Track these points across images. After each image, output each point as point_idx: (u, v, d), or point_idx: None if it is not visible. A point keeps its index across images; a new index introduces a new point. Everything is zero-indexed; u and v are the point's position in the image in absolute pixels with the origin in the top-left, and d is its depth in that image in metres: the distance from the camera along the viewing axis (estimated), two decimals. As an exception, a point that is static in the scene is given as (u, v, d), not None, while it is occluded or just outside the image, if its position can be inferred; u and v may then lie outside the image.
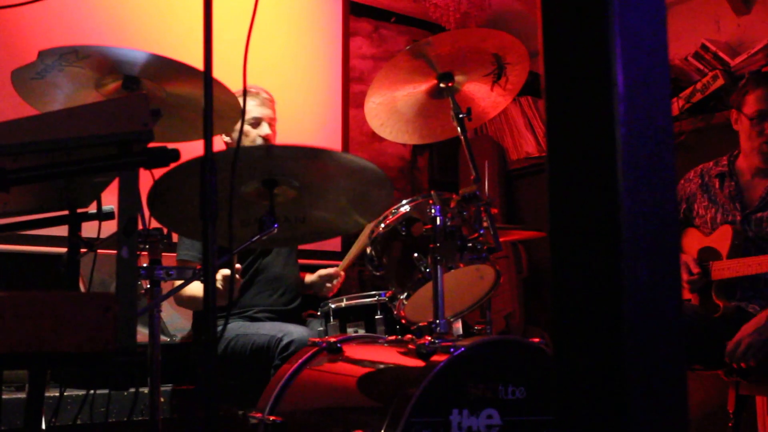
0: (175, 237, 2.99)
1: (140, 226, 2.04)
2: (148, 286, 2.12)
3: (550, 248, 0.89)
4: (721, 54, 3.96)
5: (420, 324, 2.30)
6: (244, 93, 1.54)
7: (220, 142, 3.14)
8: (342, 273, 3.23)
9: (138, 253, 1.71)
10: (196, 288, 2.77)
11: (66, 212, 1.72)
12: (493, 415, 1.83)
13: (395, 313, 2.29)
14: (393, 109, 2.47)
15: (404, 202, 2.21)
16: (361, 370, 2.12)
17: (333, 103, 4.57)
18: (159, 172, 1.79)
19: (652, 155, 0.85)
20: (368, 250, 2.31)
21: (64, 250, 1.75)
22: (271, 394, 2.12)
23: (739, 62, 3.88)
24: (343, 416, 2.00)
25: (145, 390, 2.40)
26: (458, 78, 2.38)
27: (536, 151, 4.75)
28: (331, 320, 2.71)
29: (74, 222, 1.72)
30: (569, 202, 0.88)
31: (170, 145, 1.35)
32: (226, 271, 2.69)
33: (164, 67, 2.19)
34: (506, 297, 4.66)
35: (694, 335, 2.75)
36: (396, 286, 2.27)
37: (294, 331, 2.76)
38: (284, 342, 2.69)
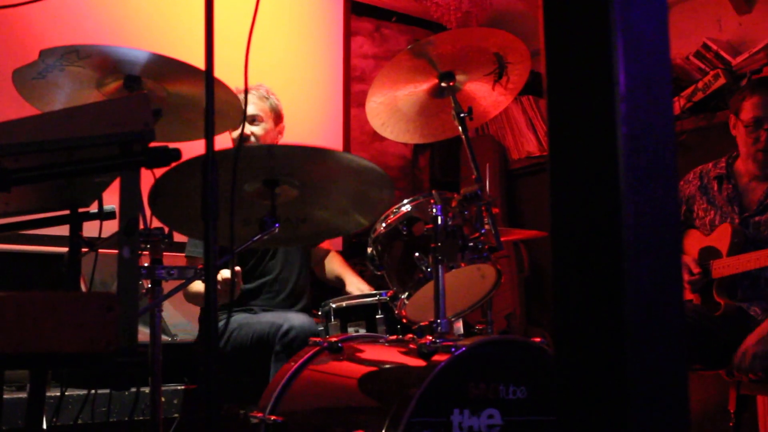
0: (176, 236, 3.00)
1: (141, 226, 2.04)
2: (150, 285, 2.12)
3: (552, 248, 0.89)
4: (722, 53, 3.95)
5: (421, 324, 2.29)
6: (246, 92, 1.54)
7: (222, 141, 3.14)
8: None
9: (139, 252, 1.70)
10: (203, 285, 2.78)
11: (67, 212, 1.72)
12: (494, 415, 1.83)
13: (396, 312, 2.29)
14: (394, 109, 2.47)
15: (405, 201, 2.21)
16: (362, 370, 2.12)
17: (334, 102, 4.57)
18: (160, 171, 1.79)
19: (654, 154, 0.85)
20: (369, 249, 2.31)
21: (65, 249, 1.75)
22: (272, 393, 2.12)
23: (740, 61, 3.87)
24: (344, 416, 2.00)
25: (147, 390, 2.39)
26: (459, 77, 2.38)
27: (537, 151, 4.75)
28: (332, 320, 2.71)
29: (75, 222, 1.72)
30: (571, 201, 0.88)
31: (171, 145, 1.35)
32: (226, 273, 2.69)
33: (165, 67, 2.19)
34: (507, 297, 4.66)
35: (696, 335, 2.75)
36: (397, 285, 2.27)
37: (294, 318, 2.77)
38: (284, 328, 2.70)
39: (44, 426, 1.78)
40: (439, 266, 2.05)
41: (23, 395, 2.77)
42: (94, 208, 1.78)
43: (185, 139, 2.25)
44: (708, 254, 2.93)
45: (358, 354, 2.18)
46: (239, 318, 2.99)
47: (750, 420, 3.00)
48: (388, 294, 2.56)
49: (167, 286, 2.14)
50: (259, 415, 2.08)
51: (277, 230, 1.96)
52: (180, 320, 3.80)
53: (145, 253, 2.11)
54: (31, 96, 2.22)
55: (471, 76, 2.39)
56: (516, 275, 4.69)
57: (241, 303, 3.09)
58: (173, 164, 1.37)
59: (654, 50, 0.86)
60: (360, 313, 2.68)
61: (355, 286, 3.27)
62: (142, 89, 2.19)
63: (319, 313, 2.81)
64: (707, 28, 4.18)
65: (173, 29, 3.81)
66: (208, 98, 1.33)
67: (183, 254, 3.07)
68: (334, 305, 2.72)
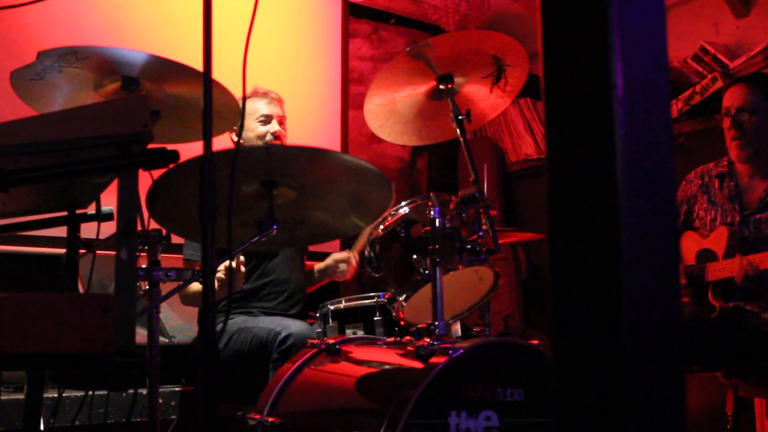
0: (174, 238, 3.00)
1: (139, 227, 2.04)
2: (147, 287, 2.12)
3: (549, 250, 0.89)
4: (720, 56, 3.96)
5: (419, 326, 2.29)
6: (243, 92, 1.54)
7: (222, 142, 3.14)
8: (356, 255, 3.18)
9: (137, 254, 1.70)
10: (201, 286, 2.78)
11: (65, 213, 1.72)
12: (491, 417, 1.83)
13: (394, 314, 2.29)
14: (392, 111, 2.47)
15: (403, 203, 2.21)
16: (360, 372, 2.12)
17: (332, 104, 4.57)
18: (158, 173, 1.79)
19: (652, 157, 0.85)
20: (367, 251, 2.31)
21: (63, 251, 1.75)
22: (269, 395, 2.12)
23: (738, 64, 3.88)
24: (341, 418, 2.00)
25: (144, 391, 2.39)
26: (458, 80, 2.38)
27: (535, 153, 4.75)
28: (330, 322, 2.71)
29: (73, 223, 1.72)
30: (568, 204, 0.88)
31: (169, 146, 1.35)
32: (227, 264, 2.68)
33: (163, 68, 2.19)
34: (505, 299, 4.66)
35: (693, 337, 2.75)
36: (395, 287, 2.27)
37: (292, 325, 2.78)
38: (282, 336, 2.70)
39: (41, 427, 1.78)
40: (437, 268, 2.05)
41: (21, 396, 2.77)
42: (91, 210, 1.78)
43: (183, 141, 2.25)
44: (705, 257, 2.94)
45: (356, 356, 2.18)
46: (238, 320, 2.99)
47: (747, 422, 3.00)
48: (386, 296, 2.56)
49: (165, 287, 2.14)
50: (257, 416, 2.08)
51: (274, 232, 1.96)
52: (177, 322, 3.80)
53: (142, 254, 2.11)
54: (29, 97, 2.22)
55: (469, 79, 2.40)
56: (514, 277, 4.69)
57: (241, 304, 3.09)
58: (171, 165, 1.37)
59: (652, 53, 0.87)
60: (358, 315, 2.68)
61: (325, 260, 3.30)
62: (140, 91, 2.19)
63: (317, 315, 2.81)
64: (705, 31, 4.19)
65: (171, 31, 3.81)
66: (206, 100, 1.33)
67: (181, 256, 3.07)
68: (332, 307, 2.72)
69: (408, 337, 2.18)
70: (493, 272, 2.22)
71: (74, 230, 1.72)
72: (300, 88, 4.37)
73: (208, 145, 1.32)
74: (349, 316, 2.70)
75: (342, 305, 2.71)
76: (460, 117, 2.33)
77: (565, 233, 0.88)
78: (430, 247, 2.07)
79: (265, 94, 3.17)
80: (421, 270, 2.14)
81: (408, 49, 2.31)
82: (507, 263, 4.63)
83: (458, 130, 2.34)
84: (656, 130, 0.86)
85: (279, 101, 3.22)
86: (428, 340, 1.90)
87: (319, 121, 4.48)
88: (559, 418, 0.87)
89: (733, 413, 2.86)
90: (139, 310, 2.03)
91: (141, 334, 2.46)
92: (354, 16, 4.93)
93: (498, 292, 2.28)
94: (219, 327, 2.51)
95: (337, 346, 2.18)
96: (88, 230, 1.79)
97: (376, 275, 2.31)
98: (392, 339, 2.28)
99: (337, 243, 4.29)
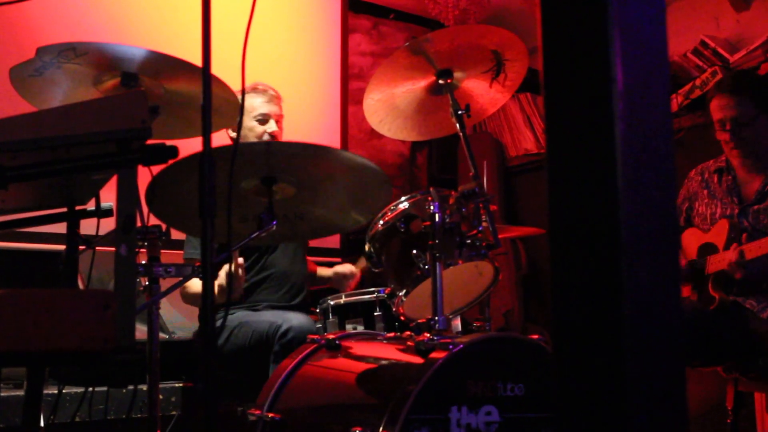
0: (173, 234, 3.00)
1: (139, 223, 2.04)
2: (147, 283, 2.12)
3: (550, 245, 0.89)
4: (720, 50, 3.95)
5: (419, 321, 2.29)
6: (243, 90, 1.54)
7: (221, 138, 3.14)
8: (357, 272, 3.32)
9: (136, 250, 1.70)
10: (201, 285, 2.78)
11: (64, 209, 1.72)
12: (492, 412, 1.83)
13: (394, 309, 2.29)
14: (392, 106, 2.46)
15: (403, 198, 2.21)
16: (360, 367, 2.12)
17: (332, 99, 4.57)
18: (157, 169, 1.78)
19: (652, 152, 0.85)
20: (367, 247, 2.31)
21: (62, 247, 1.75)
22: (269, 390, 2.12)
23: (738, 58, 3.87)
24: (341, 413, 2.00)
25: (144, 387, 2.39)
26: (457, 75, 2.37)
27: (535, 148, 4.75)
28: (330, 317, 2.71)
29: (72, 219, 1.72)
30: (568, 199, 0.88)
31: (169, 142, 1.35)
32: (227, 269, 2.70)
33: (163, 64, 2.19)
34: (505, 294, 4.66)
35: (693, 332, 2.76)
36: (395, 282, 2.27)
37: (293, 318, 2.79)
38: (283, 328, 2.72)
39: (42, 424, 1.78)
40: (437, 263, 2.05)
41: (20, 393, 2.77)
42: (91, 206, 1.78)
43: (182, 137, 2.25)
44: (706, 251, 2.95)
45: (356, 351, 2.18)
46: (240, 315, 2.99)
47: (748, 417, 3.00)
48: (386, 291, 2.56)
49: (165, 283, 2.14)
50: (257, 412, 2.08)
51: (274, 227, 1.96)
52: (177, 318, 3.80)
53: (142, 250, 2.11)
54: (28, 93, 2.22)
55: (469, 74, 2.39)
56: (514, 272, 4.69)
57: (243, 297, 3.10)
58: (170, 161, 1.37)
59: (652, 47, 0.86)
60: (358, 310, 2.68)
61: (329, 270, 3.40)
62: (139, 86, 2.18)
63: (317, 310, 2.81)
64: (705, 25, 4.18)
65: (170, 26, 3.81)
66: (206, 95, 1.33)
67: (180, 251, 3.07)
68: (332, 302, 2.72)
69: (408, 333, 2.18)
70: (493, 267, 2.21)
71: (74, 227, 1.72)
72: (299, 83, 4.36)
73: (207, 141, 1.32)
74: (349, 311, 2.70)
75: (342, 300, 2.71)
76: (459, 112, 2.32)
77: (565, 228, 0.88)
78: (430, 242, 2.07)
79: (263, 92, 3.14)
80: (421, 265, 2.14)
81: (407, 44, 2.31)
82: (507, 258, 4.63)
83: (458, 125, 2.33)
84: (656, 124, 0.85)
85: (278, 99, 3.19)
86: (428, 335, 1.90)
87: (319, 116, 4.48)
88: (560, 413, 0.87)
89: (733, 408, 2.86)
90: (139, 307, 2.03)
91: (141, 330, 2.46)
92: (353, 11, 4.92)
93: (498, 287, 2.28)
94: (219, 322, 2.52)
95: (337, 342, 2.18)
96: (87, 227, 1.78)
97: (376, 270, 2.31)
98: (392, 334, 2.28)
99: (336, 238, 4.29)
